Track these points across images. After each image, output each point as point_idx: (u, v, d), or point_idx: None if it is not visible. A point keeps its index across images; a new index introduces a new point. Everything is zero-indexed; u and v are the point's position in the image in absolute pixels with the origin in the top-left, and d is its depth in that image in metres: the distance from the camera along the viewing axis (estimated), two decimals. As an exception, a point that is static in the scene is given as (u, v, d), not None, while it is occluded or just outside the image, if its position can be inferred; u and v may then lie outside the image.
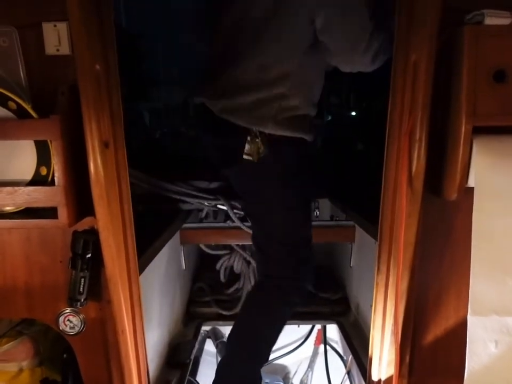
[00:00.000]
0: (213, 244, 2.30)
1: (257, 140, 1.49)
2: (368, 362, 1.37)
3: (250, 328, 1.69)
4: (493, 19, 1.01)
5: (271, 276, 1.69)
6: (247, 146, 1.50)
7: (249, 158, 1.51)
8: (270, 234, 1.68)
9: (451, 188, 1.09)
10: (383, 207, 1.22)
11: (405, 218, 1.13)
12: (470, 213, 1.09)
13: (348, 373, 2.20)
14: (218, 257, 2.30)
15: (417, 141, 1.08)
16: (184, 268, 2.30)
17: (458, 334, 1.20)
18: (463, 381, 1.15)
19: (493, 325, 1.11)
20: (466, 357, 1.13)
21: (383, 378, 1.30)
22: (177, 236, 2.18)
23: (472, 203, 1.08)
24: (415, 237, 1.15)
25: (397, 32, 1.13)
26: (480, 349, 1.12)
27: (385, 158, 1.19)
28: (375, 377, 1.34)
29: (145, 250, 1.47)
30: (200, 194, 2.15)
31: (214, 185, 2.19)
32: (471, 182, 1.09)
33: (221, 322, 2.27)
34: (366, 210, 1.87)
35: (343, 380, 2.24)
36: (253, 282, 2.30)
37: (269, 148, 1.50)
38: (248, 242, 2.07)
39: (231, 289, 2.31)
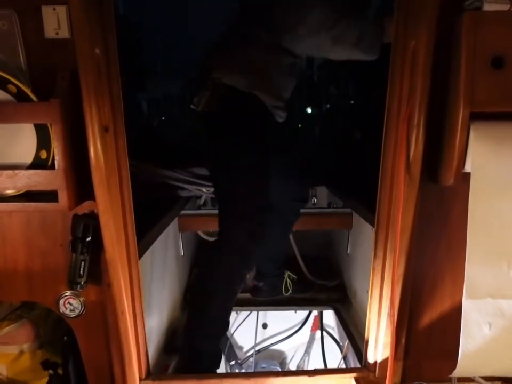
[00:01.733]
0: (211, 231, 2.31)
1: None
2: (364, 345, 1.39)
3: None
4: (492, 5, 1.02)
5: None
6: None
7: None
8: None
9: (448, 173, 1.10)
10: (381, 193, 1.23)
11: (402, 203, 1.14)
12: (466, 198, 1.10)
13: (344, 358, 2.24)
14: (217, 244, 2.31)
15: (415, 126, 1.09)
16: (183, 254, 2.31)
17: (453, 318, 1.22)
18: (456, 363, 1.18)
19: (487, 308, 1.13)
20: (461, 339, 1.15)
21: (378, 360, 1.32)
22: (175, 223, 2.19)
23: (469, 188, 1.10)
24: (412, 222, 1.16)
25: (396, 19, 1.13)
26: (474, 331, 1.14)
27: (383, 144, 1.20)
28: (371, 360, 1.36)
29: (144, 236, 1.48)
30: (199, 181, 2.16)
31: (212, 172, 2.19)
32: (468, 168, 1.10)
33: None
34: (364, 197, 1.88)
35: (339, 364, 2.27)
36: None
37: None
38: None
39: (229, 276, 2.32)
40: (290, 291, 2.27)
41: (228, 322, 1.76)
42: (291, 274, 2.26)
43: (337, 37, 1.49)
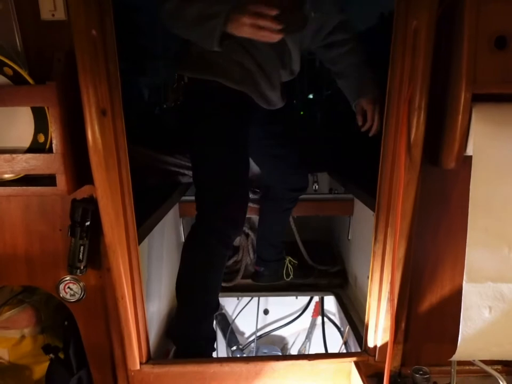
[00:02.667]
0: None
1: None
2: (364, 329, 1.39)
3: None
4: (495, -17, 1.00)
5: None
6: None
7: None
8: None
9: (449, 156, 1.09)
10: (381, 176, 1.22)
11: (402, 187, 1.13)
12: (468, 181, 1.09)
13: (345, 343, 2.25)
14: (217, 230, 2.31)
15: (416, 108, 1.07)
16: (183, 240, 2.31)
17: (453, 301, 1.22)
18: (456, 347, 1.18)
19: (488, 292, 1.13)
20: (461, 323, 1.15)
21: (378, 345, 1.32)
22: (176, 209, 2.19)
23: (470, 172, 1.08)
24: (412, 206, 1.16)
25: None
26: (474, 315, 1.14)
27: (384, 126, 1.19)
28: (370, 344, 1.36)
29: (144, 221, 1.47)
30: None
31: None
32: (469, 151, 1.08)
33: (219, 294, 2.31)
34: (365, 183, 1.87)
35: (340, 350, 2.28)
36: (251, 255, 2.33)
37: None
38: (248, 215, 2.09)
39: (230, 262, 2.33)
40: (292, 276, 2.28)
41: (217, 303, 1.77)
42: (292, 259, 2.27)
43: (172, 10, 1.39)
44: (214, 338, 1.78)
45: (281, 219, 2.19)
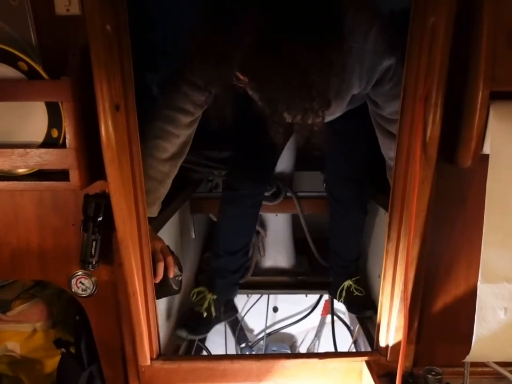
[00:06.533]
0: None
1: None
2: (376, 329, 1.38)
3: None
4: (516, -22, 0.98)
5: None
6: None
7: None
8: None
9: (466, 154, 1.07)
10: (396, 173, 1.21)
11: (417, 185, 1.11)
12: (484, 180, 1.07)
13: (355, 342, 2.23)
14: (228, 226, 2.31)
15: (432, 106, 1.05)
16: (194, 237, 2.32)
17: (467, 302, 1.20)
18: (470, 347, 1.16)
19: (503, 292, 1.11)
20: (475, 324, 1.13)
21: (390, 344, 1.31)
22: (187, 205, 2.19)
23: (487, 170, 1.07)
24: (427, 204, 1.14)
25: None
26: (489, 315, 1.13)
27: (399, 123, 1.17)
28: (382, 343, 1.35)
29: (156, 217, 1.47)
30: (211, 164, 2.15)
31: (224, 154, 2.19)
32: (486, 149, 1.07)
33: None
34: (376, 181, 1.86)
35: (349, 349, 2.27)
36: (262, 251, 2.32)
37: None
38: (260, 212, 2.08)
39: (240, 259, 2.32)
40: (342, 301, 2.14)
41: (248, 250, 2.15)
42: (353, 287, 2.08)
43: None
44: (248, 269, 2.26)
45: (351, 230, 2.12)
